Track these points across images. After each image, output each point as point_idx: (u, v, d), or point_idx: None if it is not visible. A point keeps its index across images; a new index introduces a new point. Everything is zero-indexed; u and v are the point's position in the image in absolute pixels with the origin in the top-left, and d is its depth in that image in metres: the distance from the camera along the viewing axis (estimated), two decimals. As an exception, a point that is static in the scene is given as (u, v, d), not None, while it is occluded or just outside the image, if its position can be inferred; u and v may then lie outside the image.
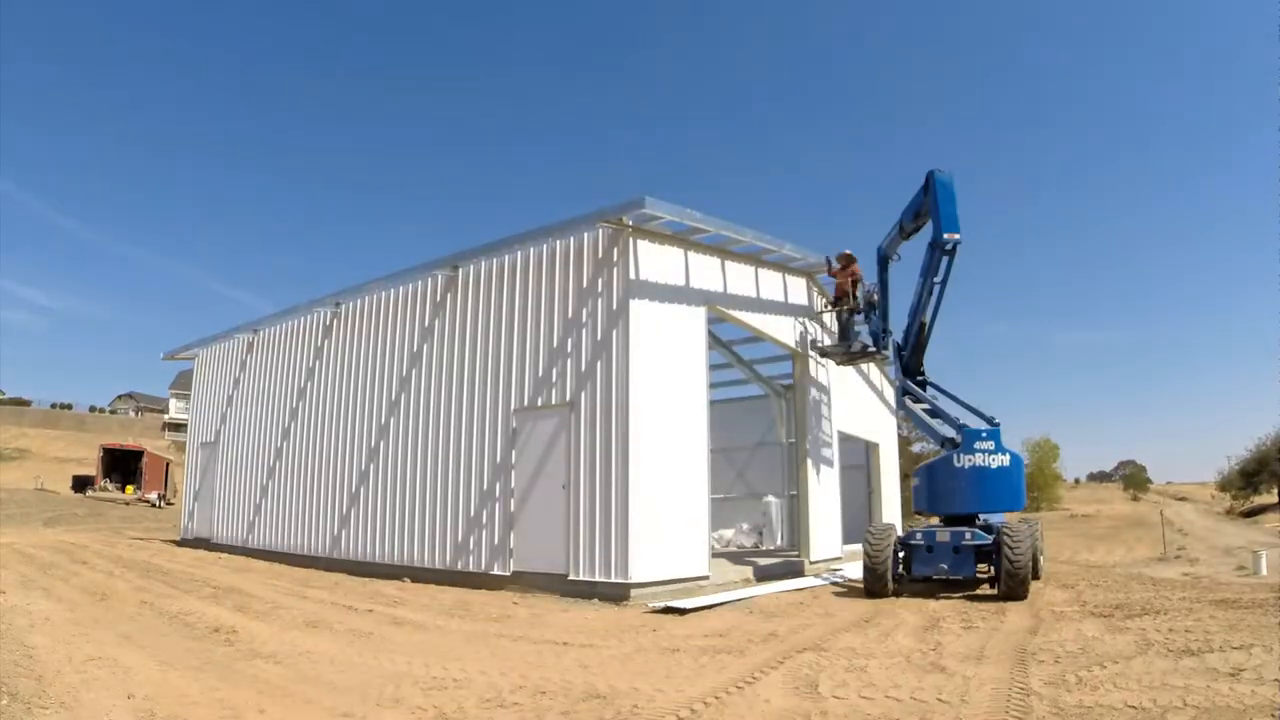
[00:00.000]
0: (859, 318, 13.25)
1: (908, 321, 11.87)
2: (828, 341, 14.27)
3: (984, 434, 10.15)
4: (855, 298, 12.90)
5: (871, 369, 18.03)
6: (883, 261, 12.59)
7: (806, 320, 14.18)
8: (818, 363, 14.45)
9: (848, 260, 13.02)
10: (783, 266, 13.46)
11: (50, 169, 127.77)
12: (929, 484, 10.35)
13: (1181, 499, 71.30)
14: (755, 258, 12.45)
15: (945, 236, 10.34)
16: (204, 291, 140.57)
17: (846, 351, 13.43)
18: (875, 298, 12.89)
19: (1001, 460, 9.90)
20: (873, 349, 13.15)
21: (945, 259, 10.65)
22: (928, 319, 11.45)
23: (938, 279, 10.89)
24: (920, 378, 12.03)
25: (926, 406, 11.59)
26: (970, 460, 9.91)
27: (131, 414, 78.81)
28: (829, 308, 13.66)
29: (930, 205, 10.68)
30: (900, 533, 10.08)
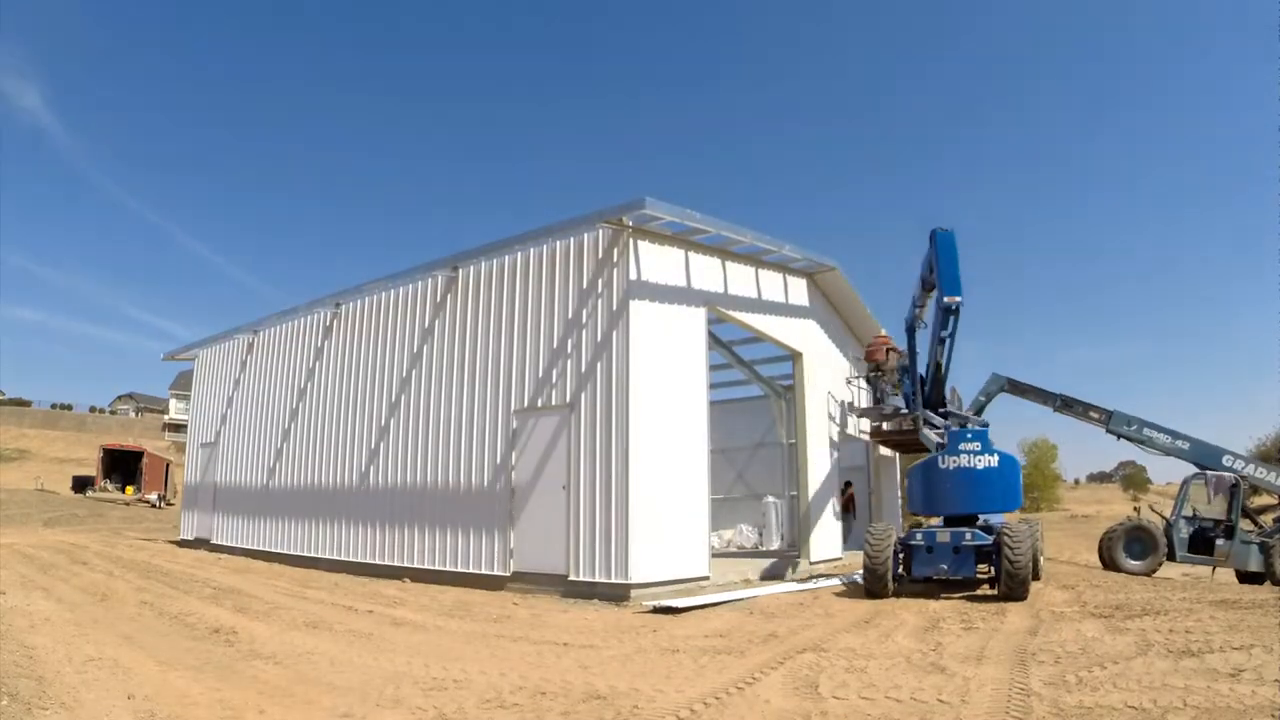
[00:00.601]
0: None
1: (925, 361, 12.58)
2: (863, 403, 15.76)
3: (969, 434, 10.19)
4: (890, 369, 14.75)
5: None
6: (909, 329, 13.51)
7: (818, 322, 14.95)
8: (818, 364, 14.49)
9: (883, 343, 15.10)
10: (783, 267, 13.47)
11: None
12: (921, 485, 10.40)
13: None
14: (755, 258, 12.46)
15: (945, 300, 10.78)
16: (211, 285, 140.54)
17: (880, 414, 15.37)
18: (905, 362, 14.13)
19: (989, 460, 9.91)
20: (905, 410, 14.33)
21: (951, 317, 11.16)
22: (943, 361, 12.03)
23: (945, 333, 11.42)
24: (941, 410, 12.48)
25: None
26: (955, 461, 9.95)
27: (131, 414, 78.80)
28: (868, 377, 15.51)
29: (934, 263, 11.19)
30: (900, 533, 10.08)
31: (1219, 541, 13.82)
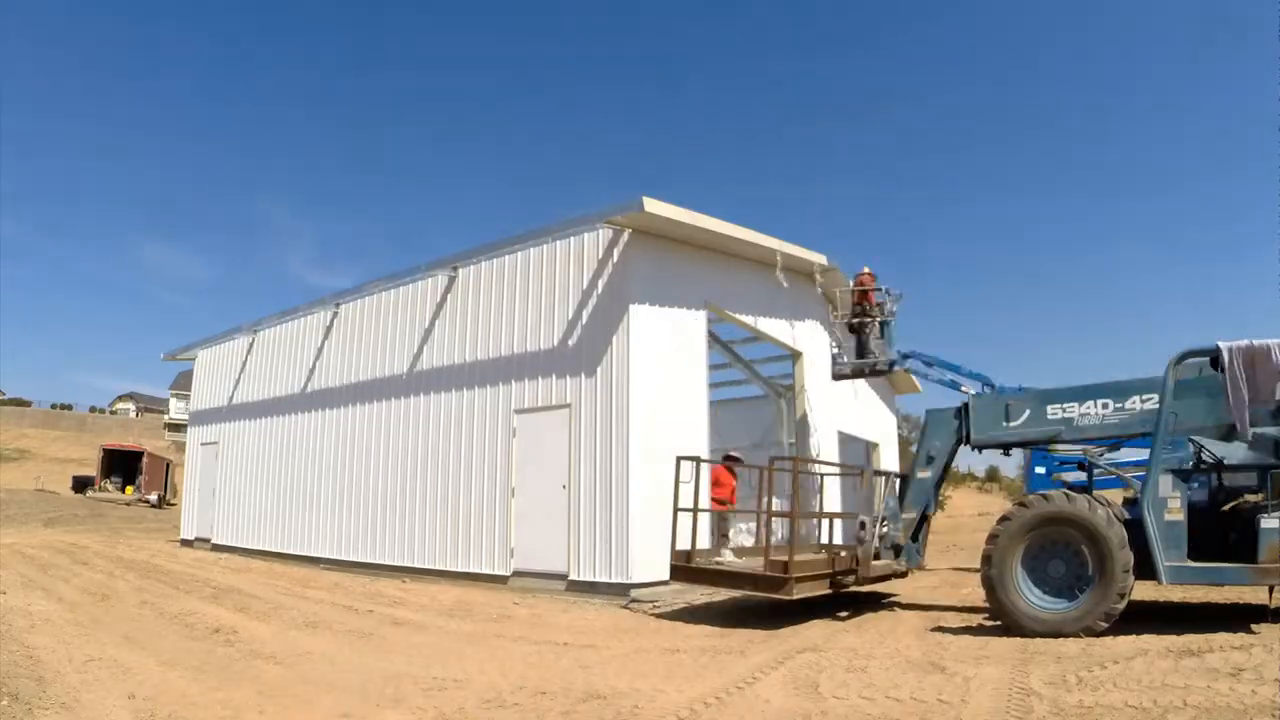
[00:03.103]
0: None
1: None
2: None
3: None
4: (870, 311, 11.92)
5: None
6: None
7: (819, 321, 14.35)
8: (818, 364, 14.47)
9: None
10: (784, 266, 13.45)
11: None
12: None
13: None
14: (755, 258, 12.44)
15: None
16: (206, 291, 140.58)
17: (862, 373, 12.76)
18: (891, 308, 11.85)
19: None
20: (885, 365, 12.07)
21: None
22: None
23: None
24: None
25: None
26: None
27: (132, 414, 78.79)
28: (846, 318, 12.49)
29: None
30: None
31: (1267, 522, 5.94)
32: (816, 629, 7.11)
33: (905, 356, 11.92)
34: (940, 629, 6.85)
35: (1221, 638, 5.59)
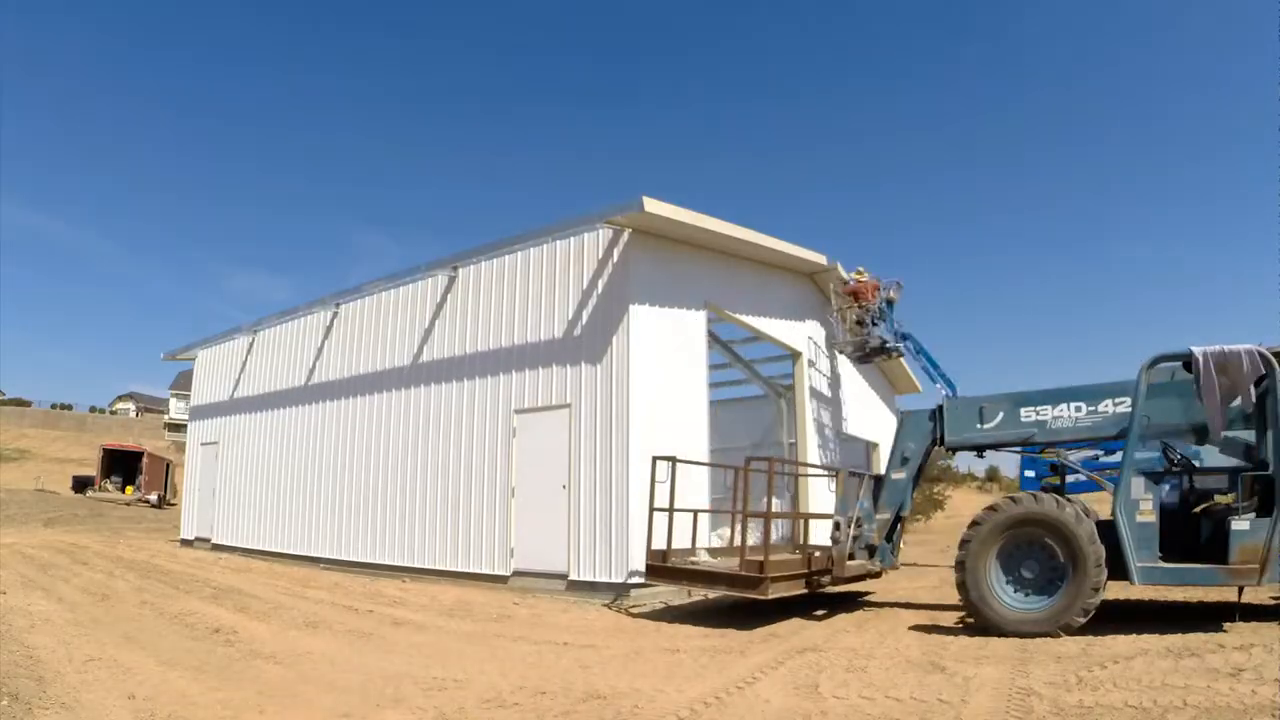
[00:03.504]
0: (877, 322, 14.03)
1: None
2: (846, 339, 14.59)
3: None
4: (871, 304, 13.76)
5: (872, 370, 18.06)
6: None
7: (819, 321, 14.51)
8: (818, 364, 14.48)
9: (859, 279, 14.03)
10: (783, 266, 13.47)
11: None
12: None
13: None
14: (755, 258, 12.46)
15: None
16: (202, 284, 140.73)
17: (862, 350, 14.06)
18: (893, 295, 13.69)
19: None
20: (892, 345, 13.81)
21: None
22: None
23: None
24: None
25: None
26: None
27: (132, 414, 78.76)
28: (846, 308, 14.11)
29: None
30: None
31: (1237, 524, 5.95)
32: (817, 629, 7.11)
33: (903, 337, 13.16)
34: (940, 629, 6.85)
35: (1221, 637, 5.59)
